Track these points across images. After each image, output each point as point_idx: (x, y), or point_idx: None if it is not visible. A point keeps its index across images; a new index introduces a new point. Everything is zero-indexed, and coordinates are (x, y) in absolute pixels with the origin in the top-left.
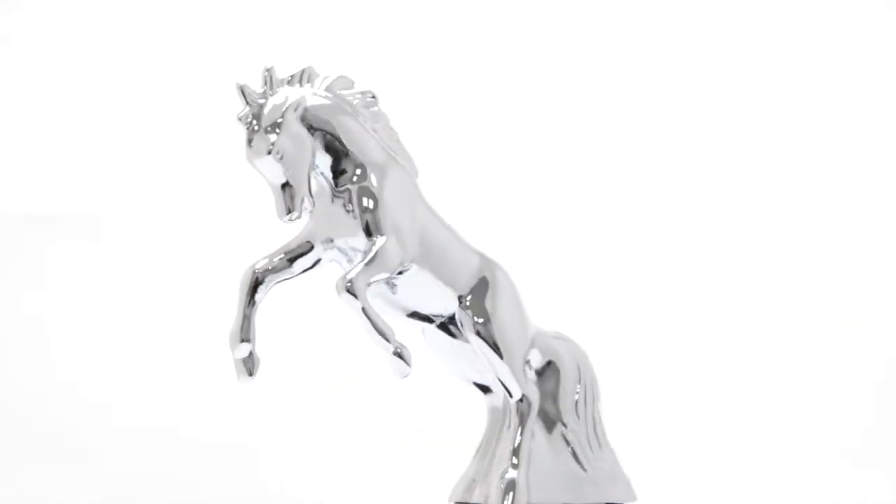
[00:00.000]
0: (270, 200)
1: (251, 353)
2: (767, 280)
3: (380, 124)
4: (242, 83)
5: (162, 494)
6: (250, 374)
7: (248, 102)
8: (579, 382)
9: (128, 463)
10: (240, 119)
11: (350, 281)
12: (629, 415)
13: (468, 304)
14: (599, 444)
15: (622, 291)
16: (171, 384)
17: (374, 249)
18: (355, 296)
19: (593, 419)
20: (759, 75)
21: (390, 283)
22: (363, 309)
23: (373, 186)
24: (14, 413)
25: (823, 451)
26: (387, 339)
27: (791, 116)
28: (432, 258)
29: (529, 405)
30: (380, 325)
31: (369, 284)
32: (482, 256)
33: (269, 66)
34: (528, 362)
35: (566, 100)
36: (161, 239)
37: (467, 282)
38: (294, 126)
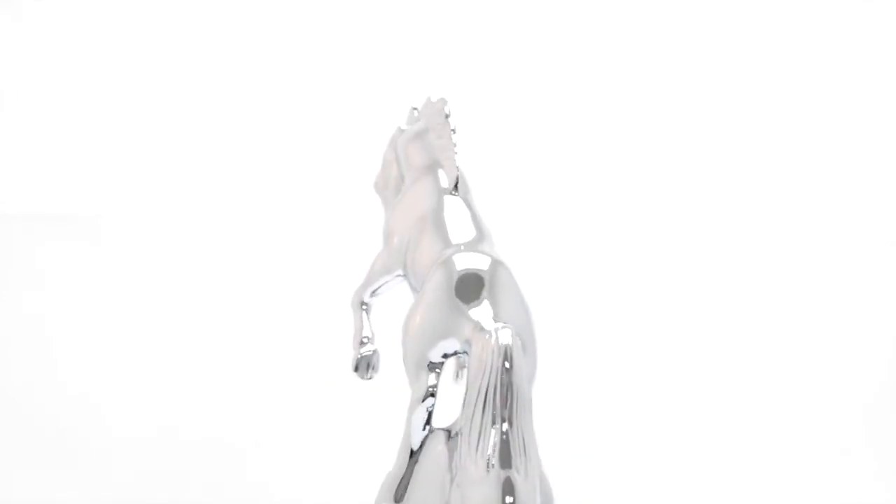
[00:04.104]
0: None
1: (364, 354)
2: (767, 280)
3: (435, 137)
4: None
5: (162, 495)
6: (358, 371)
7: None
8: (476, 378)
9: (127, 463)
10: None
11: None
12: (628, 414)
13: None
14: (477, 449)
15: (623, 291)
16: (171, 385)
17: None
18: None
19: (480, 419)
20: (764, 74)
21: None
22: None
23: None
24: (13, 413)
25: (823, 452)
26: (354, 348)
27: (791, 115)
28: (407, 264)
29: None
30: (354, 334)
31: (373, 293)
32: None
33: (414, 106)
34: (439, 361)
35: (567, 98)
36: (161, 239)
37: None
38: (384, 158)
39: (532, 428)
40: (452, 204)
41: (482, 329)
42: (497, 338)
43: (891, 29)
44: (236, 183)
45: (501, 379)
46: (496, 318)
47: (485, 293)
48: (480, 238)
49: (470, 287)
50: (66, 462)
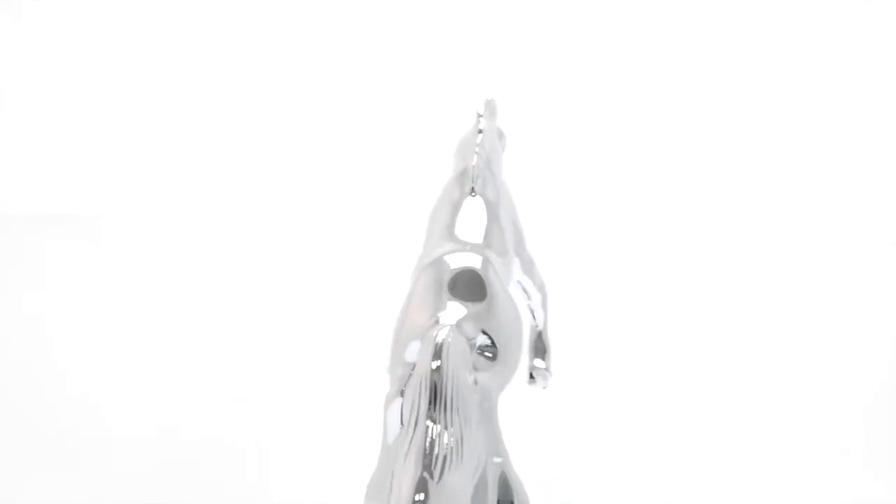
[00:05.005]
0: None
1: None
2: (767, 280)
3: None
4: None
5: (162, 495)
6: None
7: None
8: (413, 377)
9: (127, 463)
10: None
11: None
12: (625, 414)
13: None
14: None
15: (620, 290)
16: (171, 385)
17: None
18: None
19: (408, 418)
20: (765, 75)
21: None
22: None
23: None
24: (13, 413)
25: (823, 452)
26: None
27: (791, 116)
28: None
29: None
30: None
31: None
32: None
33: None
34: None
35: (566, 99)
36: (162, 239)
37: None
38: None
39: (472, 432)
40: (468, 206)
41: (433, 328)
42: (434, 336)
43: (891, 29)
44: (237, 183)
45: (430, 379)
46: (463, 320)
47: (463, 295)
48: (487, 243)
49: (452, 289)
50: (66, 462)
